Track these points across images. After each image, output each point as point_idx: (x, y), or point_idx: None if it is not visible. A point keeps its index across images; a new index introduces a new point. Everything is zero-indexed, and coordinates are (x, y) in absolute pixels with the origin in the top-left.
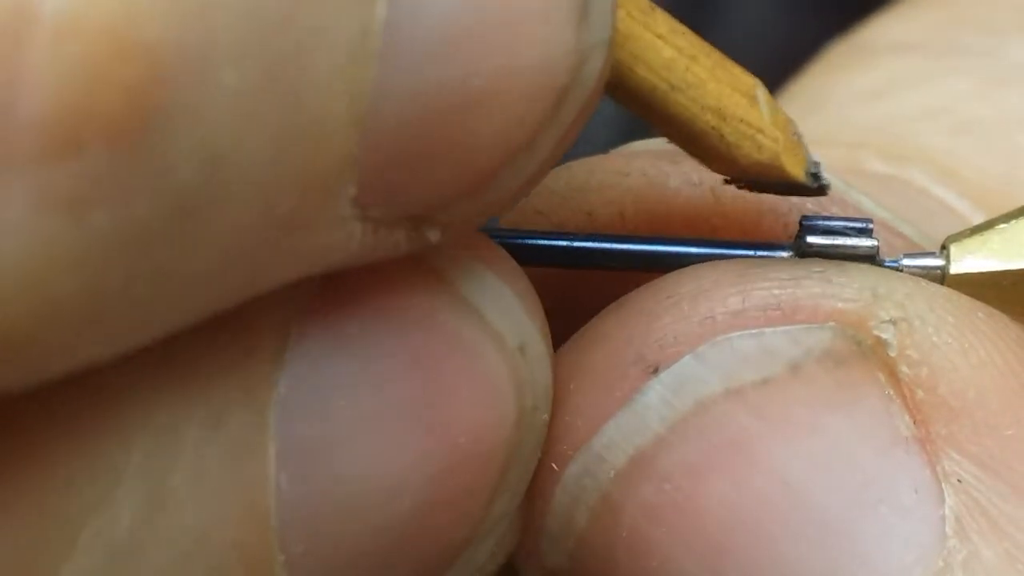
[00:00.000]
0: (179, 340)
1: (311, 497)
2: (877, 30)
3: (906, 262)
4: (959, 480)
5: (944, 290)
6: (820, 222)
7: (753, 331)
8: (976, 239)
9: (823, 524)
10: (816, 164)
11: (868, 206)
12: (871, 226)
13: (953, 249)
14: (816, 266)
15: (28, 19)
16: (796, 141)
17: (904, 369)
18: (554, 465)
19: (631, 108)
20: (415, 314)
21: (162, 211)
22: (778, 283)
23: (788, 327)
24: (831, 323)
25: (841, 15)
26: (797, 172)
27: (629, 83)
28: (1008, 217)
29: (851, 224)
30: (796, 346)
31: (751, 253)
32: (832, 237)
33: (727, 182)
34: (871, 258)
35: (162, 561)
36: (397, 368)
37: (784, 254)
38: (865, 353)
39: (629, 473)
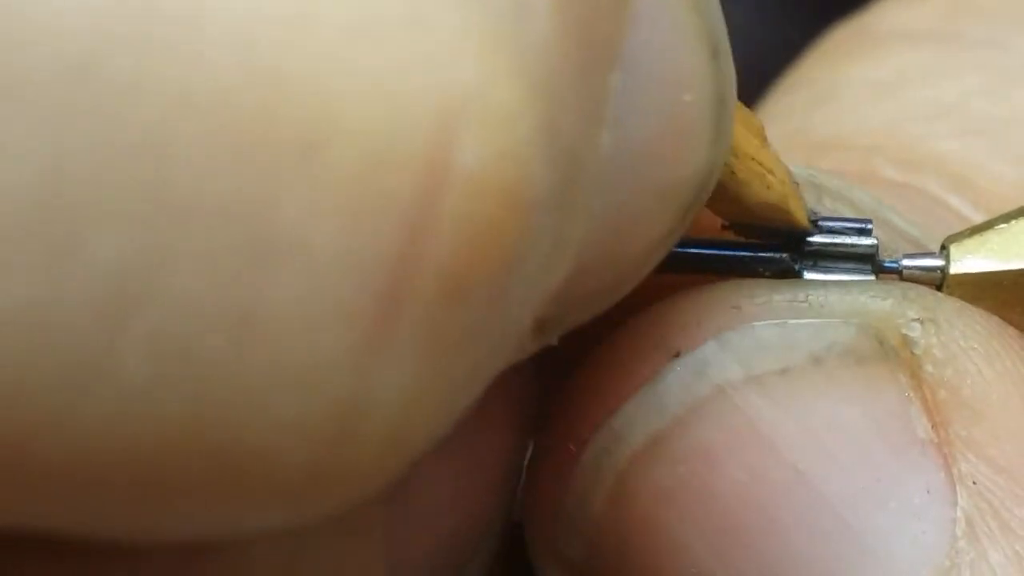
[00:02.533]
0: None
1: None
2: (882, 17)
3: (906, 262)
4: (974, 482)
5: (971, 306)
6: (820, 222)
7: (776, 321)
8: (976, 239)
9: (833, 517)
10: (815, 212)
11: (899, 224)
12: (870, 226)
13: (953, 249)
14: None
15: (443, 173)
16: (796, 188)
17: (928, 368)
18: (573, 448)
19: None
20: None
21: (501, 347)
22: (809, 285)
23: (813, 320)
24: (855, 320)
25: (826, 14)
26: (800, 215)
27: None
28: (1007, 217)
29: (851, 224)
30: (819, 339)
31: (751, 253)
32: (832, 236)
33: (724, 227)
34: (871, 257)
35: None
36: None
37: (784, 254)
38: (888, 353)
39: (645, 454)
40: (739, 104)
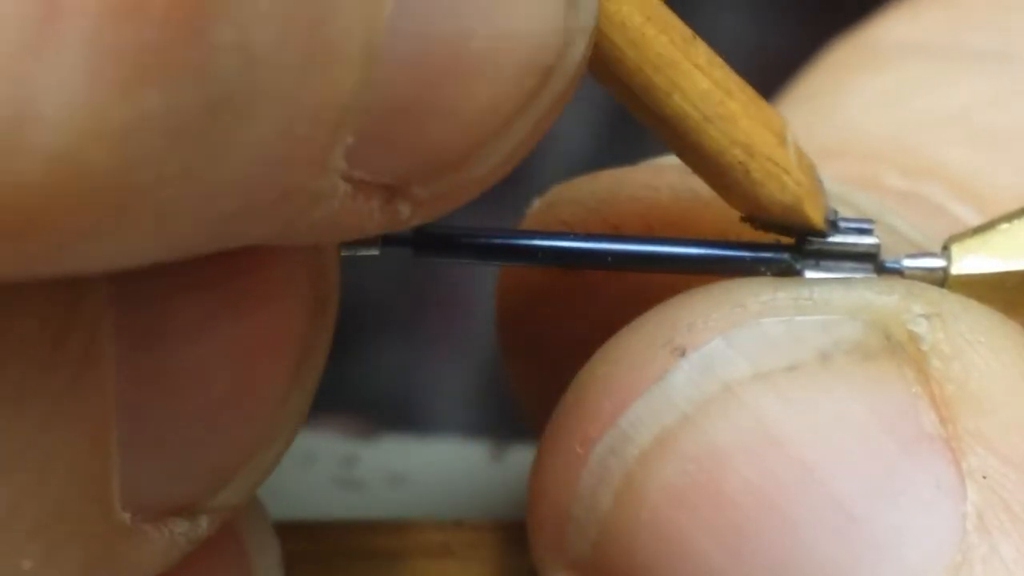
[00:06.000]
0: None
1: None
2: (885, 29)
3: (907, 262)
4: (984, 476)
5: (975, 301)
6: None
7: (784, 318)
8: (978, 239)
9: (843, 513)
10: (835, 212)
11: (901, 227)
12: (871, 226)
13: (955, 249)
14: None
15: None
16: (818, 187)
17: (936, 363)
18: (579, 448)
19: (661, 135)
20: None
21: (202, 100)
22: (813, 282)
23: (819, 317)
24: (862, 316)
25: (818, 25)
26: (817, 218)
27: (664, 110)
28: (1010, 217)
29: (852, 223)
30: (826, 336)
31: (752, 253)
32: (834, 236)
33: (743, 219)
34: (872, 257)
35: None
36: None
37: (785, 254)
38: (895, 349)
39: (654, 453)
40: (760, 100)
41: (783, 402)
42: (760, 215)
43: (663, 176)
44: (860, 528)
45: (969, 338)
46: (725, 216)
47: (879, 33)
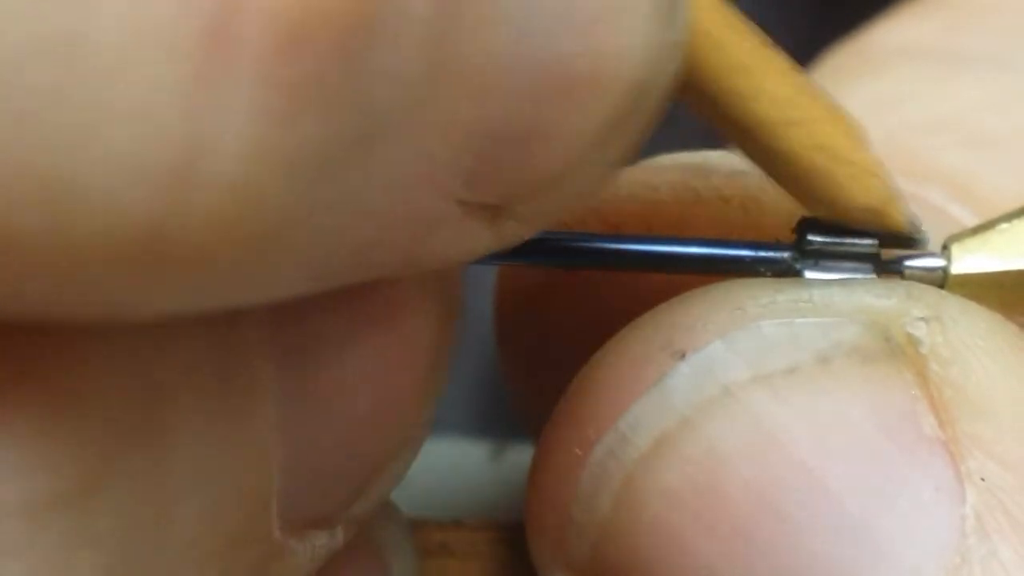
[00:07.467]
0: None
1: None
2: (884, 34)
3: (907, 262)
4: (982, 479)
5: (973, 303)
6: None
7: (783, 320)
8: (977, 239)
9: (843, 515)
10: (917, 216)
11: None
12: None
13: (954, 249)
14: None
15: None
16: (897, 192)
17: (934, 367)
18: (579, 450)
19: (740, 143)
20: None
21: (358, 126)
22: (812, 284)
23: (819, 319)
24: (862, 319)
25: (818, 29)
26: (900, 221)
27: (748, 116)
28: (1009, 217)
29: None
30: (825, 338)
31: (751, 252)
32: (833, 235)
33: (802, 223)
34: (872, 257)
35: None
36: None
37: (785, 254)
38: (894, 351)
39: (653, 455)
40: (837, 105)
41: (782, 404)
42: (840, 219)
43: (663, 175)
44: (859, 530)
45: (968, 342)
46: (725, 216)
47: (879, 37)
